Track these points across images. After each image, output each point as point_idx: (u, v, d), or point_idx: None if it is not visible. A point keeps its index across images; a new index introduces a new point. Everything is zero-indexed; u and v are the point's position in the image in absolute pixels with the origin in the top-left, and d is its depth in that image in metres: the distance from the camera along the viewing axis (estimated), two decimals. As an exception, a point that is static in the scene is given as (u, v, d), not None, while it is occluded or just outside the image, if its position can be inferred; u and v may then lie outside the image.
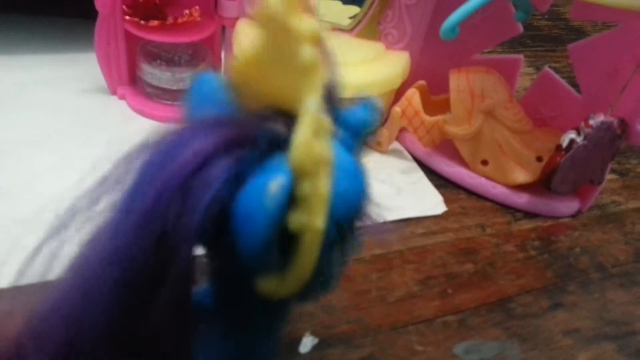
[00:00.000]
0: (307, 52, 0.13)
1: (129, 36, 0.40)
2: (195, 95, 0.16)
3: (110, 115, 0.40)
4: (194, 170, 0.13)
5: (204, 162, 0.14)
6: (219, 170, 0.14)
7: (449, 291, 0.33)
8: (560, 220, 0.40)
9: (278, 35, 0.14)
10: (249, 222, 0.14)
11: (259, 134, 0.14)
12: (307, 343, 0.28)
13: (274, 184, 0.13)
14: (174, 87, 0.40)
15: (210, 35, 0.41)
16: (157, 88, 0.40)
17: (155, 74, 0.40)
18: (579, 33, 0.73)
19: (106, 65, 0.41)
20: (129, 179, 0.14)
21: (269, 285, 0.15)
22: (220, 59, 0.43)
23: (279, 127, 0.15)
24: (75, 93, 0.42)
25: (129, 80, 0.42)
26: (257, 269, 0.15)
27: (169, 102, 0.41)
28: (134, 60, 0.41)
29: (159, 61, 0.40)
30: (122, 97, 0.42)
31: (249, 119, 0.15)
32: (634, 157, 0.49)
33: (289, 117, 0.15)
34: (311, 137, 0.13)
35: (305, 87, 0.14)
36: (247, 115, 0.15)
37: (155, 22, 0.38)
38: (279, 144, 0.14)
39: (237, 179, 0.14)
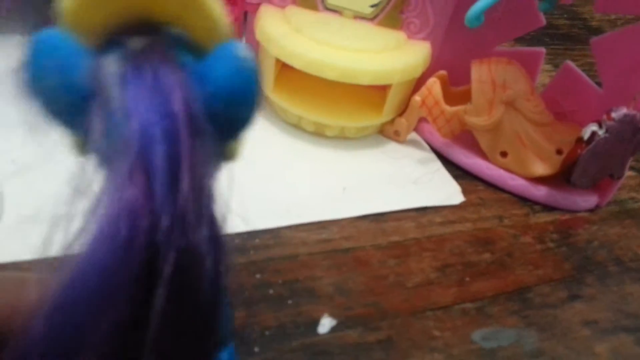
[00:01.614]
0: None
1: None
2: (39, 61, 0.14)
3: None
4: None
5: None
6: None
7: (467, 279, 0.33)
8: (579, 215, 0.40)
9: None
10: (243, 90, 0.14)
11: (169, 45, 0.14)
12: (326, 324, 0.28)
13: (241, 50, 0.14)
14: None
15: (232, 21, 0.41)
16: None
17: None
18: (598, 33, 0.72)
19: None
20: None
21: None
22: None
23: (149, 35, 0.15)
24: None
25: None
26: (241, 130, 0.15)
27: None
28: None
29: None
30: None
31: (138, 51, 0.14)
32: (652, 155, 0.49)
33: (142, 26, 0.14)
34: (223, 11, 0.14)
35: None
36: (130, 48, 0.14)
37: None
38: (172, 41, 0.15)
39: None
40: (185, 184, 0.13)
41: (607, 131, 0.35)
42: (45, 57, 0.14)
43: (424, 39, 0.42)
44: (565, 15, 0.75)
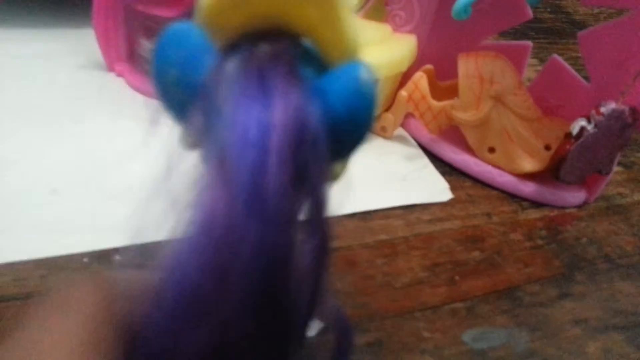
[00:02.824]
0: None
1: (128, 10, 0.38)
2: (166, 52, 0.14)
3: (107, 92, 0.39)
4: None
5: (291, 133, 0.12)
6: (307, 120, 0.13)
7: (456, 278, 0.32)
8: (567, 211, 0.40)
9: None
10: (358, 112, 0.13)
11: (293, 55, 0.14)
12: (313, 327, 0.27)
13: (363, 72, 0.13)
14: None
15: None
16: (157, 65, 0.39)
17: (155, 51, 0.39)
18: (582, 27, 0.72)
19: (104, 41, 0.39)
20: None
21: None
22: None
23: (284, 43, 0.14)
24: (71, 68, 0.40)
25: (127, 56, 0.40)
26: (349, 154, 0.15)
27: (169, 80, 0.40)
28: (133, 36, 0.40)
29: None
30: (120, 74, 0.40)
31: (261, 55, 0.14)
32: (638, 150, 0.49)
33: (274, 34, 0.14)
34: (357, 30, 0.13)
35: None
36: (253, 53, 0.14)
37: (156, -4, 0.37)
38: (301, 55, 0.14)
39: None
40: (269, 199, 0.12)
41: (596, 126, 0.35)
42: (172, 48, 0.13)
43: (410, 32, 0.41)
44: (549, 9, 0.75)
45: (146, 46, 0.39)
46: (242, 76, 0.13)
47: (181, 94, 0.14)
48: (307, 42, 0.15)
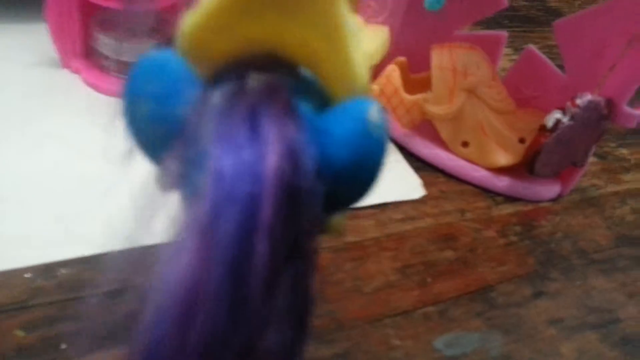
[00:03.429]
0: None
1: (83, 3, 0.36)
2: (139, 84, 0.12)
3: (62, 90, 0.37)
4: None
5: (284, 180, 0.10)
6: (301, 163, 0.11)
7: (429, 280, 0.31)
8: (541, 205, 0.39)
9: None
10: (365, 160, 0.11)
11: (288, 88, 0.12)
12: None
13: (372, 113, 0.11)
14: (133, 60, 0.37)
15: (173, 3, 0.37)
16: (115, 61, 0.37)
17: (112, 46, 0.37)
18: (557, 15, 0.71)
19: (58, 36, 0.37)
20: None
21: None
22: (184, 31, 0.40)
23: (281, 73, 0.12)
24: (23, 66, 0.38)
25: (83, 52, 0.38)
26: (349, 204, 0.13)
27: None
28: (88, 30, 0.38)
29: (116, 31, 0.37)
30: (75, 71, 0.38)
31: (256, 85, 0.12)
32: (612, 140, 0.48)
33: (266, 64, 0.12)
34: (365, 60, 0.11)
35: (329, 12, 0.11)
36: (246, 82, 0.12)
37: (111, -13, 0.35)
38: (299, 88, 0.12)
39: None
40: (254, 272, 0.10)
41: (571, 118, 0.34)
42: (147, 79, 0.12)
43: (382, 23, 0.39)
44: (524, -4, 0.73)
45: (103, 41, 0.37)
46: (229, 113, 0.11)
47: (156, 132, 0.12)
48: (305, 71, 0.13)
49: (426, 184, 0.38)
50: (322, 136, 0.11)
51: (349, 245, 0.32)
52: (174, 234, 0.11)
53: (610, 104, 0.34)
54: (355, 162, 0.11)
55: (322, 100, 0.12)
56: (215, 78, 0.12)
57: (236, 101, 0.11)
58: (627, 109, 0.34)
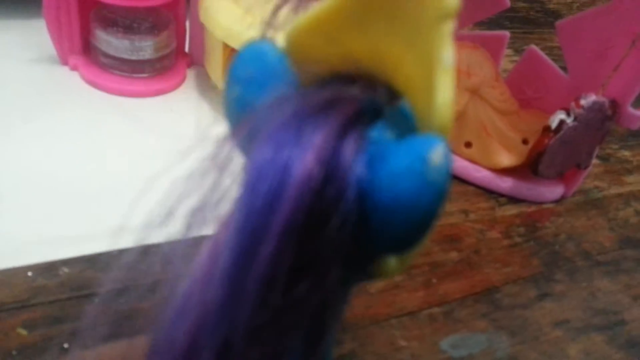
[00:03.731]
0: None
1: (81, 0, 0.36)
2: (241, 72, 0.12)
3: (60, 87, 0.36)
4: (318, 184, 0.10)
5: (328, 167, 0.10)
6: (349, 177, 0.10)
7: (434, 281, 0.31)
8: (545, 206, 0.39)
9: None
10: (411, 202, 0.10)
11: (364, 105, 0.11)
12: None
13: (436, 153, 0.10)
14: (132, 57, 0.36)
15: (172, 0, 0.37)
16: (114, 58, 0.37)
17: (111, 42, 0.36)
18: (556, 16, 0.72)
19: (56, 33, 0.37)
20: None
21: (392, 262, 0.12)
22: (184, 27, 0.40)
23: (368, 93, 0.11)
24: (21, 63, 0.37)
25: (82, 49, 0.38)
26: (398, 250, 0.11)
27: (127, 74, 0.37)
28: (87, 27, 0.37)
29: (115, 28, 0.36)
30: (74, 68, 0.38)
31: (333, 91, 0.11)
32: (614, 142, 0.48)
33: (366, 80, 0.11)
34: (452, 97, 0.10)
35: (430, 37, 0.10)
36: (324, 87, 0.12)
37: (111, -17, 0.34)
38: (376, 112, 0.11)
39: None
40: (256, 268, 0.10)
41: (575, 119, 0.34)
42: (246, 63, 0.12)
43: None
44: (523, -2, 0.74)
45: (101, 37, 0.36)
46: (289, 113, 0.10)
47: (238, 115, 0.12)
48: (405, 103, 0.12)
49: (429, 185, 0.37)
50: (377, 162, 0.10)
51: (353, 246, 0.31)
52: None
53: (615, 104, 0.34)
54: (399, 200, 0.10)
55: (407, 129, 0.11)
56: (316, 84, 0.12)
57: (302, 103, 0.11)
58: (631, 110, 0.34)
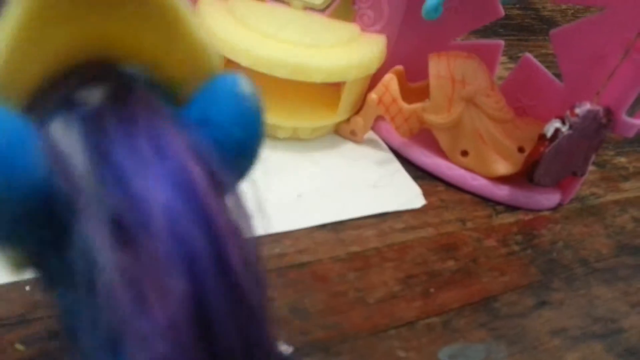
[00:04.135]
0: None
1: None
2: None
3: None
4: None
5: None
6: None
7: (431, 290, 0.31)
8: (541, 214, 0.39)
9: None
10: (255, 130, 0.12)
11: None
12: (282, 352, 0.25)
13: (242, 84, 0.12)
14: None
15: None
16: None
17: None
18: (550, 23, 0.72)
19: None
20: None
21: None
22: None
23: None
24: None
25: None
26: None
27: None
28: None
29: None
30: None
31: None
32: (610, 148, 0.49)
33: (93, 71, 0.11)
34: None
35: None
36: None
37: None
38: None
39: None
40: (234, 265, 0.10)
41: (570, 128, 0.34)
42: None
43: (379, 31, 0.39)
44: (517, 5, 0.74)
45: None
46: (105, 142, 0.09)
47: (16, 207, 0.09)
48: (128, 68, 0.11)
49: (426, 193, 0.37)
50: (204, 125, 0.11)
51: (352, 256, 0.31)
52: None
53: (609, 113, 0.34)
54: (245, 138, 0.12)
55: (166, 92, 0.12)
56: (34, 104, 0.10)
57: (103, 125, 0.09)
58: (626, 119, 0.35)
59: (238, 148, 0.12)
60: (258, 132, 0.12)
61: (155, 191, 0.09)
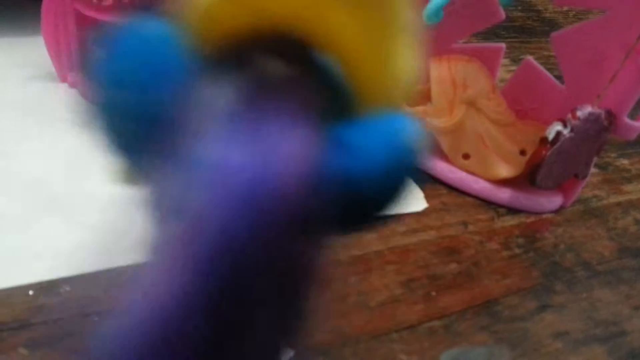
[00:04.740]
0: None
1: (80, 17, 0.36)
2: (119, 66, 0.10)
3: (59, 104, 0.36)
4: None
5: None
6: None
7: (433, 294, 0.31)
8: (544, 216, 0.39)
9: None
10: (394, 182, 0.11)
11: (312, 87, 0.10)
12: (283, 356, 0.25)
13: (410, 134, 0.10)
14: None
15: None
16: (113, 75, 0.37)
17: (110, 59, 0.36)
18: (552, 25, 0.72)
19: (55, 50, 0.37)
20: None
21: None
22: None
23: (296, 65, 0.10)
24: (19, 80, 0.38)
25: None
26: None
27: (126, 90, 0.37)
28: (85, 44, 0.37)
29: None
30: (73, 85, 0.38)
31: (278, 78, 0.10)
32: (612, 150, 0.48)
33: (291, 49, 0.10)
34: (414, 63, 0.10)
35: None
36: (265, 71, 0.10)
37: (109, 1, 0.35)
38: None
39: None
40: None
41: (572, 130, 0.34)
42: (129, 61, 0.09)
43: (380, 35, 0.39)
44: (519, 7, 0.74)
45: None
46: (236, 111, 0.09)
47: (133, 128, 0.10)
48: (324, 59, 0.10)
49: (428, 196, 0.37)
50: (345, 150, 0.10)
51: (353, 259, 0.31)
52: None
53: (611, 115, 0.34)
54: (384, 184, 0.10)
55: (344, 100, 0.11)
56: (221, 58, 0.10)
57: (246, 96, 0.09)
58: (628, 121, 0.35)
59: (365, 190, 0.10)
60: (397, 185, 0.11)
61: (224, 166, 0.09)
